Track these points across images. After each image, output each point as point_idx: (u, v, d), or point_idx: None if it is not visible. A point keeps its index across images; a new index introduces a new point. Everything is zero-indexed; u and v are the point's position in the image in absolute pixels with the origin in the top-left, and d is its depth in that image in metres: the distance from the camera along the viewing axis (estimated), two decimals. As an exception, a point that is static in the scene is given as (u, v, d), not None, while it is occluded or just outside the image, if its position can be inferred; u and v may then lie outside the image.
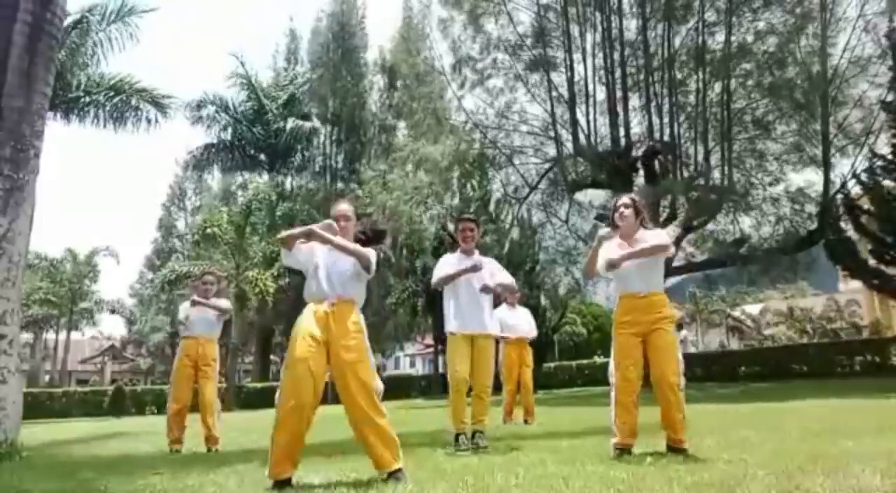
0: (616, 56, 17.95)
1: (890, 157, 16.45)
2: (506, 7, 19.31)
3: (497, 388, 5.47)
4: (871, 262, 16.89)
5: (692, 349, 31.19)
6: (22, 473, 4.19)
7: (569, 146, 18.81)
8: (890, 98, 16.54)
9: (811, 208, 17.78)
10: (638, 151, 18.20)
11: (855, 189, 17.32)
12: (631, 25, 18.71)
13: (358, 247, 3.47)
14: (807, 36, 17.02)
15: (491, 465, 3.52)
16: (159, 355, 42.37)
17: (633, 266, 3.81)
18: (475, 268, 4.73)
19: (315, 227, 3.41)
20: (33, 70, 6.18)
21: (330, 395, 5.01)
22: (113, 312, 36.84)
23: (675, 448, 3.64)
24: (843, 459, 3.06)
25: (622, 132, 17.90)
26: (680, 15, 17.79)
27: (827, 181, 17.23)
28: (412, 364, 54.46)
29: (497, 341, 7.29)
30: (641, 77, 18.17)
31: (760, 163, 18.56)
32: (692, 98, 18.04)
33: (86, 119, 17.62)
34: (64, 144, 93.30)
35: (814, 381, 15.11)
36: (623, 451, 3.69)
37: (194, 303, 6.13)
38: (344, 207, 3.65)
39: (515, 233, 20.63)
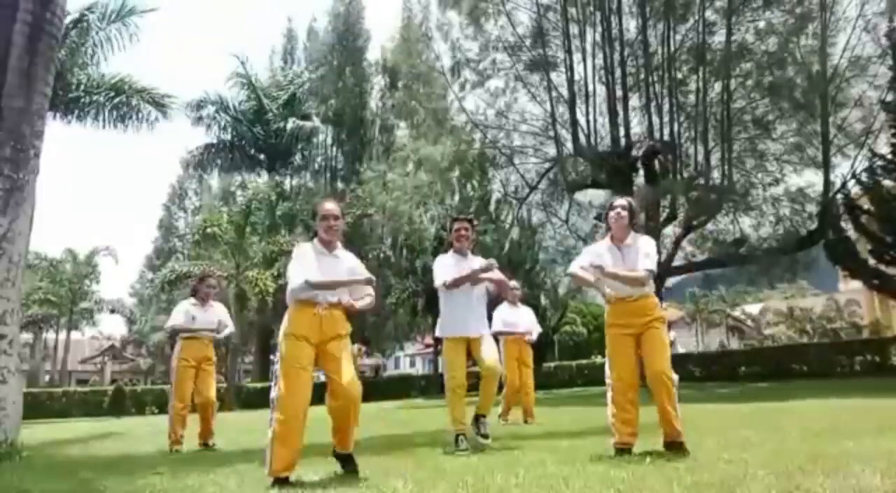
0: (616, 56, 17.94)
1: (890, 156, 16.44)
2: (504, 8, 19.31)
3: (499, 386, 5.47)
4: (871, 262, 16.88)
5: (681, 350, 31.21)
6: (22, 473, 4.19)
7: (569, 146, 18.81)
8: (890, 98, 16.53)
9: (811, 208, 17.77)
10: (638, 151, 18.18)
11: (855, 189, 17.32)
12: (631, 25, 18.74)
13: (369, 278, 3.61)
14: (807, 36, 17.03)
15: (491, 465, 3.52)
16: (159, 355, 42.33)
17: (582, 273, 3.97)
18: (490, 267, 4.72)
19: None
20: (33, 70, 6.18)
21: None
22: (113, 311, 36.86)
23: (672, 444, 3.65)
24: (843, 459, 3.06)
25: (622, 132, 17.90)
26: (680, 14, 17.79)
27: (827, 181, 17.23)
28: (412, 364, 54.46)
29: (496, 339, 7.32)
30: (641, 77, 18.17)
31: (760, 163, 18.55)
32: (692, 98, 18.03)
33: (86, 119, 17.58)
34: (64, 144, 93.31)
35: (814, 381, 15.09)
36: (623, 451, 3.70)
37: (198, 297, 6.20)
38: (330, 206, 3.67)
39: (515, 233, 20.59)
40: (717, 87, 17.75)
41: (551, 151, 19.60)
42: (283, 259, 23.37)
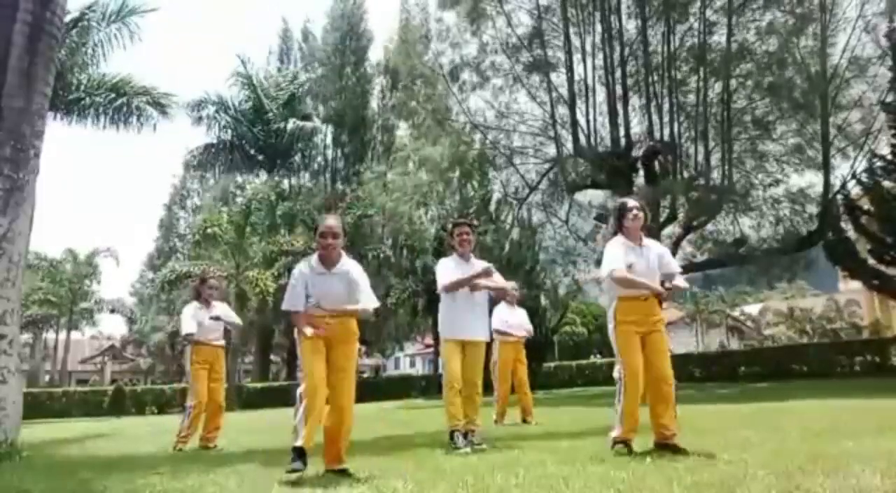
0: (616, 56, 17.93)
1: (890, 157, 16.45)
2: (503, 8, 19.30)
3: (490, 388, 5.47)
4: (871, 262, 16.88)
5: (681, 350, 31.18)
6: (22, 473, 4.19)
7: (569, 146, 18.79)
8: (890, 99, 16.53)
9: (811, 209, 17.76)
10: (638, 152, 18.17)
11: (855, 190, 17.32)
12: (630, 25, 18.71)
13: (359, 309, 3.68)
14: (807, 36, 17.02)
15: (491, 465, 3.52)
16: (159, 354, 42.34)
17: (643, 270, 3.92)
18: (487, 273, 4.79)
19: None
20: (33, 70, 6.18)
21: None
22: (113, 311, 36.82)
23: (666, 444, 3.67)
24: (843, 459, 3.06)
25: (622, 132, 17.88)
26: (679, 14, 17.78)
27: (827, 182, 17.22)
28: (412, 364, 54.47)
29: (490, 342, 7.33)
30: (641, 77, 18.17)
31: (760, 163, 18.55)
32: (692, 98, 18.01)
33: (86, 119, 17.59)
34: (64, 144, 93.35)
35: (814, 381, 15.10)
36: (623, 444, 3.74)
37: (201, 300, 6.25)
38: (331, 223, 3.66)
39: (515, 233, 20.60)
40: (718, 87, 17.74)
41: (551, 151, 19.59)
42: (283, 259, 23.39)
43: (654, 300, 3.96)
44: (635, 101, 18.73)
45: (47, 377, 39.92)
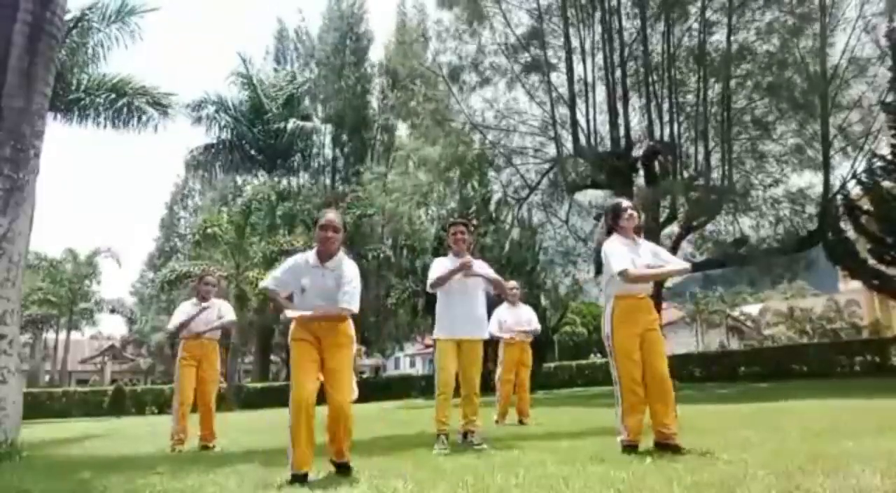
0: (616, 56, 17.94)
1: (890, 157, 16.44)
2: (501, 9, 19.30)
3: (488, 388, 5.46)
4: (871, 262, 16.88)
5: (681, 350, 31.17)
6: (22, 473, 4.19)
7: (569, 146, 18.80)
8: (890, 99, 16.52)
9: (811, 209, 17.76)
10: (638, 152, 18.18)
11: (855, 190, 17.31)
12: (630, 25, 18.70)
13: (342, 310, 3.55)
14: (806, 36, 17.01)
15: (491, 465, 3.52)
16: (159, 354, 42.35)
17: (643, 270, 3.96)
18: (464, 266, 4.72)
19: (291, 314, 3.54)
20: (33, 70, 6.18)
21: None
22: (113, 311, 36.84)
23: (665, 444, 3.68)
24: (843, 459, 3.06)
25: (622, 132, 17.89)
26: (679, 14, 17.78)
27: (827, 182, 17.22)
28: (412, 364, 54.45)
29: (497, 341, 7.30)
30: (641, 77, 18.17)
31: (760, 164, 18.54)
32: (692, 98, 18.02)
33: (86, 120, 17.57)
34: (64, 144, 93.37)
35: (814, 381, 15.10)
36: (632, 447, 3.75)
37: (198, 297, 6.21)
38: (331, 216, 3.64)
39: (515, 233, 20.59)
40: (717, 87, 17.74)
41: (551, 151, 19.60)
42: (283, 259, 23.37)
43: (649, 300, 4.01)
44: (635, 101, 18.75)
45: (47, 377, 39.93)
